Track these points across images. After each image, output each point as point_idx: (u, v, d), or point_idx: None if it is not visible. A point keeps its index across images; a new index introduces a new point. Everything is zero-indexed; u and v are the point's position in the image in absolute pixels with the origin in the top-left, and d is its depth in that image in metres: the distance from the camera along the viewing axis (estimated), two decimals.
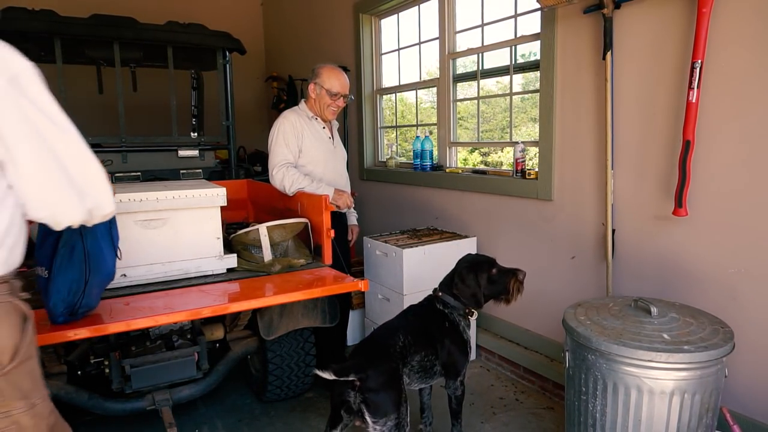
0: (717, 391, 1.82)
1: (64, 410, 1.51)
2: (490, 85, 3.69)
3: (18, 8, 3.19)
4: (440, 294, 2.29)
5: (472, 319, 2.30)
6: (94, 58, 3.92)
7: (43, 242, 1.68)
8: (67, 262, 1.67)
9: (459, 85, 3.60)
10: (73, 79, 3.70)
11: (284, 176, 2.67)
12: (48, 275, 1.68)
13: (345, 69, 4.34)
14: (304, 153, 2.78)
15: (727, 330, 1.85)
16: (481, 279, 2.22)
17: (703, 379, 1.74)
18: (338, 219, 2.77)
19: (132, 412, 2.28)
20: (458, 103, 3.64)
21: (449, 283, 2.29)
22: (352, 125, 4.50)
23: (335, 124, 3.03)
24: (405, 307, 2.89)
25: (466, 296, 2.22)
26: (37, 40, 3.35)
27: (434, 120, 3.75)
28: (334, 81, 2.77)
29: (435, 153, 3.72)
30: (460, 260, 2.34)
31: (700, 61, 2.04)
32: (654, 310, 1.93)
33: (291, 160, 2.73)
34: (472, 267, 2.26)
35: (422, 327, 2.19)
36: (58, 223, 1.18)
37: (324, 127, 2.88)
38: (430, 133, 3.78)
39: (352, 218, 3.08)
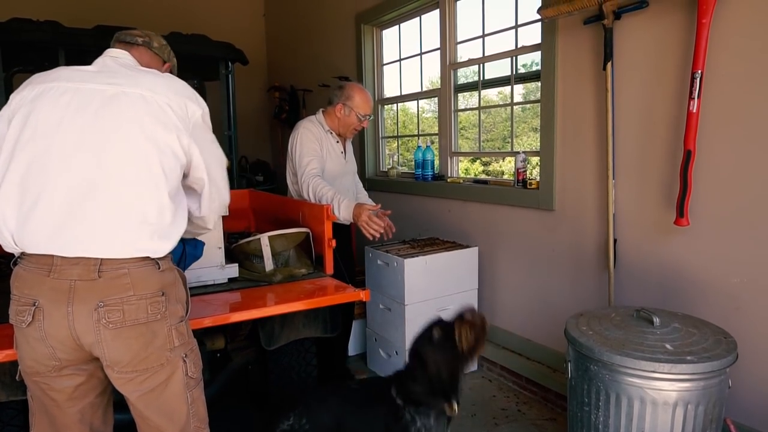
0: (721, 402, 1.80)
1: None
2: (491, 95, 3.70)
3: (23, 19, 3.22)
4: (394, 393, 1.61)
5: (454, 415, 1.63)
6: None
7: None
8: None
9: (460, 95, 3.61)
10: None
11: (308, 186, 2.65)
12: None
13: (346, 79, 4.39)
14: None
15: (731, 340, 1.84)
16: (429, 356, 1.59)
17: (706, 389, 1.73)
18: (341, 229, 2.77)
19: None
20: (459, 113, 3.65)
21: (404, 381, 1.64)
22: (354, 136, 4.51)
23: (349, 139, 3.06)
24: (406, 317, 2.90)
25: (431, 395, 1.59)
26: (42, 51, 3.37)
27: (436, 130, 3.76)
28: (366, 105, 2.81)
29: (436, 163, 3.73)
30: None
31: (700, 71, 2.05)
32: (656, 320, 1.92)
33: (316, 168, 2.71)
34: (413, 353, 1.66)
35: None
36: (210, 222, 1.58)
37: (338, 142, 2.90)
38: (432, 143, 3.79)
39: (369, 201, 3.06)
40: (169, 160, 1.37)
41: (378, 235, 2.53)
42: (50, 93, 1.34)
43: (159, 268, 1.38)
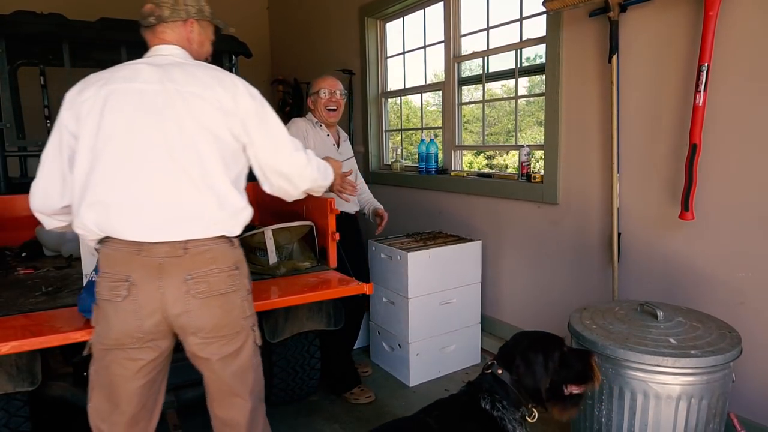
0: (724, 396, 1.80)
1: (70, 412, 1.52)
2: (495, 88, 3.69)
3: (26, 12, 3.21)
4: (500, 372, 1.57)
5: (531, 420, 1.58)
6: (102, 61, 3.94)
7: None
8: None
9: (464, 88, 3.60)
10: None
11: None
12: None
13: (350, 72, 4.38)
14: None
15: (735, 334, 1.83)
16: (551, 362, 1.57)
17: (710, 383, 1.73)
18: (346, 222, 2.77)
19: None
20: (463, 106, 3.64)
21: (510, 359, 1.58)
22: (357, 128, 4.51)
23: (344, 136, 3.05)
24: (410, 311, 2.91)
25: (530, 387, 1.55)
26: (46, 44, 3.37)
27: (439, 123, 3.75)
28: (321, 83, 2.88)
29: (440, 156, 3.72)
30: (517, 336, 1.69)
31: (707, 64, 2.03)
32: (660, 314, 1.92)
33: None
34: (540, 347, 1.60)
35: None
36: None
37: (329, 135, 2.90)
38: (436, 136, 3.78)
39: (376, 204, 3.07)
40: (230, 148, 1.52)
41: (350, 200, 2.61)
42: (118, 95, 1.46)
43: (232, 245, 1.55)
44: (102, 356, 1.50)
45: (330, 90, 2.86)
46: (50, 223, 1.59)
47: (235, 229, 1.54)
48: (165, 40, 1.62)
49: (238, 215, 1.53)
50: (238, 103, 1.53)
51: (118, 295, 1.44)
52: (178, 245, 1.44)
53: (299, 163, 1.66)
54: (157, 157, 1.44)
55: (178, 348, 1.56)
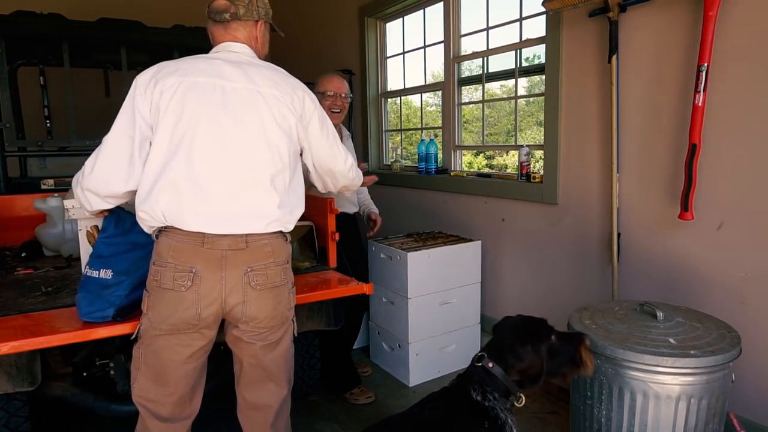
0: (724, 396, 1.80)
1: (70, 412, 1.52)
2: (495, 88, 3.69)
3: (26, 12, 3.22)
4: (491, 365, 1.57)
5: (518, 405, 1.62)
6: (102, 61, 3.94)
7: (110, 246, 1.77)
8: (140, 265, 1.73)
9: (464, 88, 3.60)
10: (81, 83, 3.72)
11: None
12: (112, 277, 1.73)
13: (350, 72, 4.37)
14: None
15: (734, 334, 1.83)
16: (541, 351, 1.58)
17: (709, 383, 1.73)
18: (346, 222, 2.77)
19: (137, 414, 2.28)
20: (463, 106, 3.64)
21: (500, 351, 1.60)
22: (357, 128, 4.51)
23: (346, 135, 3.05)
24: (409, 311, 2.91)
25: (525, 377, 1.58)
26: (46, 44, 3.37)
27: (439, 123, 3.75)
28: (326, 84, 2.86)
29: (440, 156, 3.72)
30: (501, 325, 1.71)
31: (706, 64, 2.03)
32: (660, 314, 1.92)
33: None
34: (527, 335, 1.61)
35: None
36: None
37: None
38: (435, 136, 3.78)
39: (372, 208, 3.09)
40: (295, 148, 1.65)
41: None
42: (200, 88, 1.52)
43: (286, 241, 1.66)
44: (153, 341, 1.56)
45: (336, 92, 2.85)
46: (98, 204, 1.61)
47: (290, 226, 1.64)
48: (237, 38, 1.67)
49: (293, 212, 1.64)
50: (304, 105, 1.64)
51: (183, 285, 1.50)
52: (240, 238, 1.52)
53: (348, 167, 1.83)
54: (232, 154, 1.51)
55: None
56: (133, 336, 1.62)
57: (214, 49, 1.67)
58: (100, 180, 1.54)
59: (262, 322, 1.60)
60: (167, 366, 1.57)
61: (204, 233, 1.50)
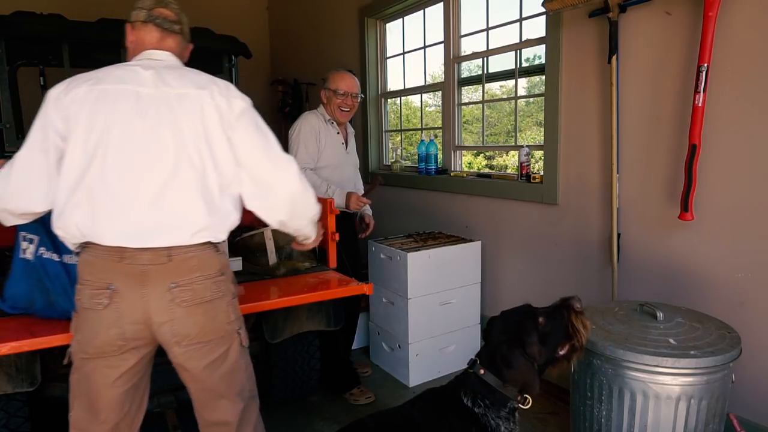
0: (724, 397, 1.80)
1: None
2: (495, 89, 3.69)
3: (26, 12, 3.22)
4: (482, 372, 1.52)
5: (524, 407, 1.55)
6: (102, 62, 3.93)
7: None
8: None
9: (464, 88, 3.60)
10: None
11: None
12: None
13: (350, 72, 4.37)
14: (320, 154, 2.82)
15: (734, 335, 1.83)
16: (532, 346, 1.49)
17: (709, 384, 1.73)
18: (345, 222, 2.77)
19: None
20: (463, 106, 3.64)
21: (492, 358, 1.53)
22: (357, 129, 4.50)
23: (351, 132, 3.06)
24: (409, 311, 2.91)
25: (520, 383, 1.51)
26: (45, 44, 3.37)
27: (439, 124, 3.75)
28: (339, 82, 2.84)
29: (440, 157, 3.72)
30: (489, 330, 1.62)
31: (706, 64, 2.03)
32: (660, 314, 1.92)
33: (308, 163, 2.76)
34: (513, 339, 1.51)
35: None
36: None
37: (338, 132, 2.90)
38: (435, 136, 3.78)
39: (367, 210, 3.09)
40: (222, 150, 1.48)
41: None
42: (112, 96, 1.43)
43: (218, 251, 1.52)
44: (82, 365, 1.47)
45: (348, 92, 2.84)
46: (12, 221, 1.50)
47: (221, 235, 1.51)
48: (171, 48, 1.62)
49: (225, 220, 1.50)
50: (231, 104, 1.51)
51: (99, 303, 1.40)
52: (162, 252, 1.41)
53: (292, 175, 1.55)
54: (149, 161, 1.41)
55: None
56: (65, 361, 1.52)
57: (136, 57, 1.59)
58: (15, 198, 1.44)
59: (194, 339, 1.47)
60: (98, 391, 1.47)
61: (123, 247, 1.39)
